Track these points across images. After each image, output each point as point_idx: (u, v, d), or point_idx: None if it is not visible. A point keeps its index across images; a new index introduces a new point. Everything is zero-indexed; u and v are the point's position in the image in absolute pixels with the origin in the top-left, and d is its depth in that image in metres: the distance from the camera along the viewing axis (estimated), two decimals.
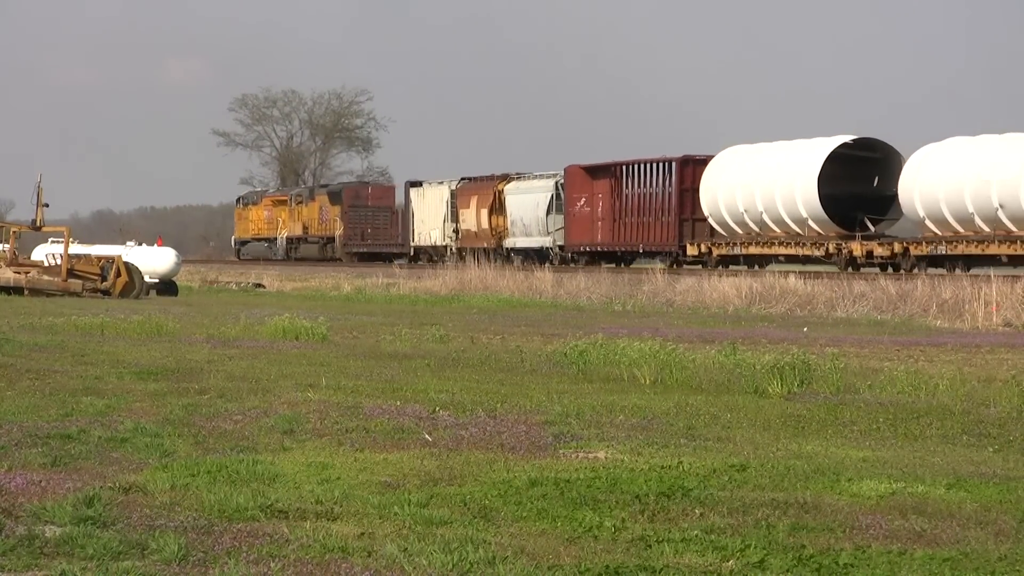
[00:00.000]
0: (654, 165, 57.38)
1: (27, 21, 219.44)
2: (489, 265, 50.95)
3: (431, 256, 70.65)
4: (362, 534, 8.70)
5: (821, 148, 50.09)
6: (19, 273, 41.11)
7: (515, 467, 11.07)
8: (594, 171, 60.78)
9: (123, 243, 50.18)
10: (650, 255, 57.93)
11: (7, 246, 43.05)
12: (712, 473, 10.78)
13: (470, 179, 70.59)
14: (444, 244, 70.30)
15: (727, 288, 39.62)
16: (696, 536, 8.68)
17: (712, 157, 54.91)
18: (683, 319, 33.12)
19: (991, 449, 12.53)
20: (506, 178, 67.61)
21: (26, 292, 40.26)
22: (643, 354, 18.80)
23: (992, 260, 43.42)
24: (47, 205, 42.71)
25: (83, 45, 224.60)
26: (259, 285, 55.50)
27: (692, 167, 55.52)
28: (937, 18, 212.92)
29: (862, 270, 46.29)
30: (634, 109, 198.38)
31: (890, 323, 32.08)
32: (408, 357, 20.65)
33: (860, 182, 49.34)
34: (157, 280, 46.06)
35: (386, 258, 75.90)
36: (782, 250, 51.09)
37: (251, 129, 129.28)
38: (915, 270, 43.98)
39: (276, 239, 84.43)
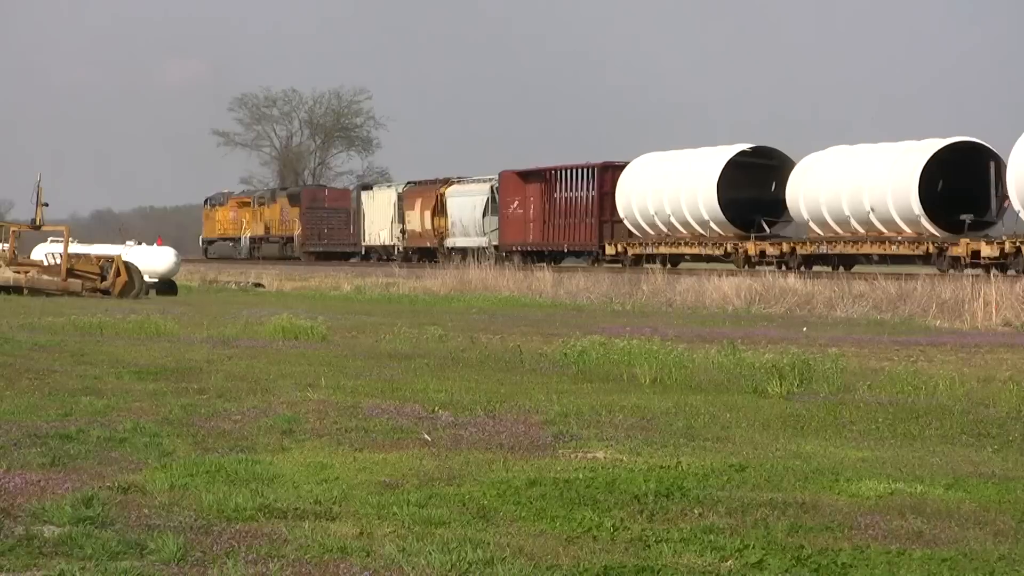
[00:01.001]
0: (579, 171, 62.04)
1: (26, 21, 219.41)
2: (489, 265, 51.07)
3: (380, 255, 76.17)
4: (361, 534, 8.70)
5: (721, 156, 54.47)
6: (19, 273, 41.09)
7: (514, 467, 11.07)
8: (527, 176, 64.95)
9: (122, 243, 50.15)
10: (575, 254, 62.74)
11: (7, 246, 43.03)
12: (711, 473, 10.78)
13: (416, 183, 75.87)
14: (392, 244, 75.51)
15: (726, 288, 39.63)
16: (695, 536, 8.68)
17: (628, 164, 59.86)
18: (682, 319, 33.12)
19: (990, 449, 12.53)
20: (448, 182, 72.39)
21: (25, 292, 40.24)
22: (642, 354, 18.80)
23: (866, 259, 48.57)
24: (47, 204, 42.70)
25: (82, 45, 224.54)
26: (259, 285, 55.51)
27: (611, 173, 60.00)
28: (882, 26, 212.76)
29: (757, 267, 50.15)
30: (628, 108, 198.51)
31: (889, 323, 32.07)
32: (407, 357, 20.65)
33: (757, 187, 53.17)
34: (156, 280, 46.04)
35: (341, 257, 79.85)
36: (688, 249, 55.56)
37: (250, 129, 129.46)
38: (801, 268, 47.88)
39: (240, 239, 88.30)
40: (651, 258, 56.06)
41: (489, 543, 8.41)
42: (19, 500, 9.52)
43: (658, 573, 7.90)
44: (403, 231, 74.42)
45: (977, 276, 36.31)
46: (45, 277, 41.15)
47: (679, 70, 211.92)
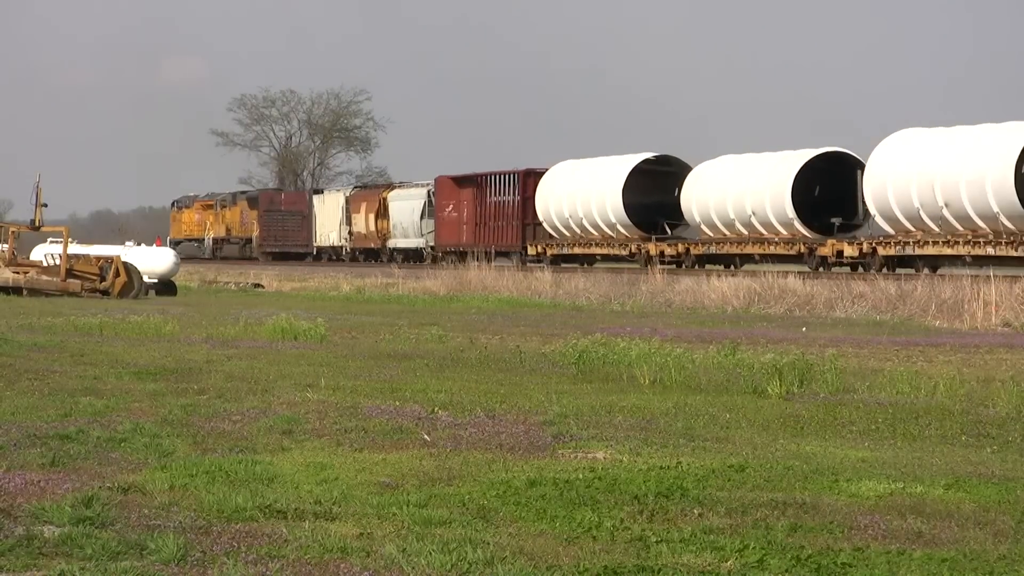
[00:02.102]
0: (506, 176, 66.77)
1: (26, 21, 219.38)
2: (488, 265, 51.22)
3: (330, 255, 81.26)
4: (361, 534, 8.70)
5: (626, 164, 59.31)
6: (18, 273, 41.07)
7: (514, 467, 11.07)
8: (460, 181, 69.60)
9: (122, 243, 50.13)
10: (503, 255, 65.99)
11: (6, 246, 43.01)
12: (711, 473, 10.78)
13: (362, 187, 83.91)
14: (340, 245, 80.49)
15: (726, 288, 39.63)
16: (695, 536, 8.68)
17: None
18: (682, 319, 33.11)
19: (990, 449, 12.53)
20: (390, 186, 79.35)
21: (25, 292, 40.23)
22: (642, 354, 18.80)
23: (750, 258, 53.77)
24: (46, 205, 42.66)
25: (82, 45, 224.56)
26: (258, 285, 55.51)
27: (533, 179, 64.74)
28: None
29: (660, 266, 54.12)
30: (626, 107, 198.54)
31: (889, 323, 32.07)
32: (407, 357, 20.65)
33: (660, 192, 57.86)
34: (156, 280, 46.02)
35: (295, 257, 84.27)
36: (598, 250, 60.31)
37: (250, 129, 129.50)
38: (695, 267, 53.17)
39: (204, 239, 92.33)
40: (568, 258, 61.08)
41: (489, 543, 8.41)
42: (19, 500, 9.52)
43: (658, 573, 7.90)
44: (350, 233, 79.28)
45: (976, 277, 36.31)
46: (44, 278, 41.13)
47: (680, 70, 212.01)
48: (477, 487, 10.16)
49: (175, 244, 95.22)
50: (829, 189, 51.63)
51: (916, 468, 11.26)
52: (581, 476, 10.58)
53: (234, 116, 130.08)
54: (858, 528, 9.03)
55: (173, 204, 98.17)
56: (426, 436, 12.60)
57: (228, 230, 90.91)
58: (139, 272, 42.33)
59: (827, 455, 11.89)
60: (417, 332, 25.82)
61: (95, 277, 41.42)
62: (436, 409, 14.22)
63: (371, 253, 76.90)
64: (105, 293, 40.87)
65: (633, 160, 59.33)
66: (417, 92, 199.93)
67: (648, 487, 10.12)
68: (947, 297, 34.03)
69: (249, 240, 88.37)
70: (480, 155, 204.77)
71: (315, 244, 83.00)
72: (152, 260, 46.66)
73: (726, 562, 8.13)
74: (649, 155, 59.44)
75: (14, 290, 40.32)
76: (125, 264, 42.00)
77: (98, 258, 42.70)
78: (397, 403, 14.66)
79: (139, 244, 49.78)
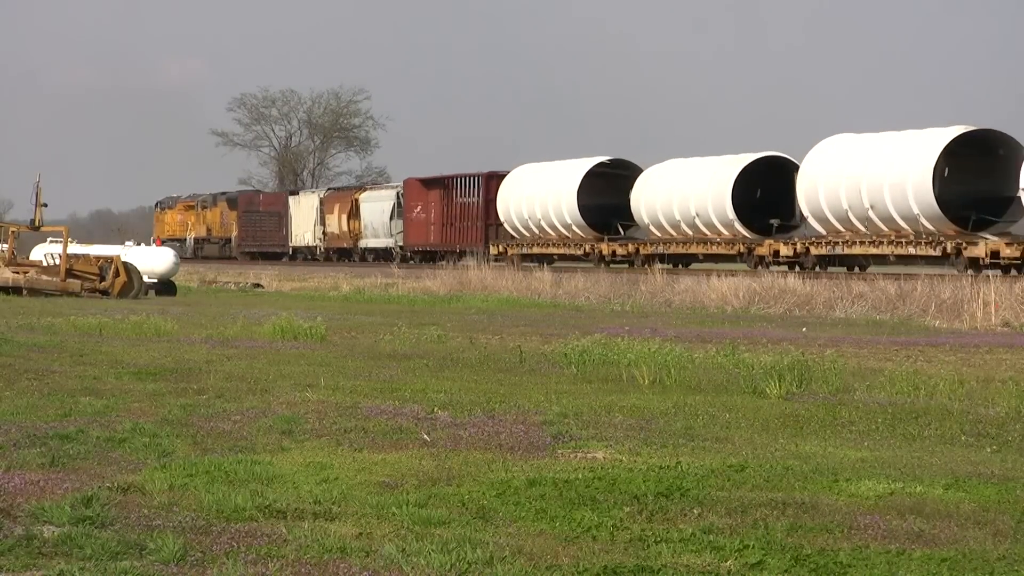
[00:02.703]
0: (471, 179, 69.97)
1: (26, 21, 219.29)
2: (488, 265, 51.34)
3: (306, 255, 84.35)
4: (360, 534, 8.71)
5: (582, 167, 62.16)
6: (18, 273, 41.06)
7: (513, 467, 11.07)
8: (428, 183, 72.75)
9: (122, 243, 50.10)
10: (467, 254, 67.24)
11: (6, 246, 43.01)
12: (710, 473, 10.78)
13: (335, 189, 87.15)
14: (315, 244, 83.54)
15: (725, 288, 39.64)
16: (694, 536, 8.69)
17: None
18: (682, 319, 33.11)
19: (989, 449, 12.53)
20: (361, 188, 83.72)
21: (24, 292, 40.22)
22: (642, 354, 18.80)
23: (695, 258, 56.75)
24: (46, 205, 42.67)
25: (82, 45, 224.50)
26: (258, 285, 55.50)
27: (495, 181, 67.46)
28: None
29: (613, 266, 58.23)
30: (627, 108, 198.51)
31: (889, 323, 32.07)
32: (407, 357, 20.64)
33: (614, 195, 59.89)
34: (156, 280, 46.00)
35: (273, 257, 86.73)
36: (555, 250, 63.13)
37: (249, 129, 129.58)
38: (646, 265, 54.89)
39: (186, 239, 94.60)
40: (528, 257, 63.87)
41: (489, 543, 8.41)
42: (19, 500, 9.52)
43: (658, 573, 7.90)
44: (324, 233, 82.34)
45: (976, 277, 36.33)
46: (44, 277, 41.12)
47: (681, 70, 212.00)
48: (476, 487, 10.16)
49: (153, 244, 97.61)
50: (769, 192, 53.89)
51: (916, 468, 11.26)
52: (581, 476, 10.58)
53: (234, 116, 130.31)
54: (858, 528, 9.03)
55: (156, 205, 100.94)
56: (426, 436, 12.60)
57: (209, 230, 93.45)
58: (139, 272, 42.32)
59: (827, 455, 11.89)
60: (417, 332, 25.81)
61: (95, 277, 41.41)
62: (436, 409, 14.22)
63: (344, 252, 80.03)
64: (105, 293, 40.86)
65: (588, 163, 61.93)
66: (417, 92, 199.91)
67: (648, 487, 10.12)
68: (947, 297, 34.04)
69: (229, 240, 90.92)
70: (479, 155, 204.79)
71: (291, 244, 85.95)
72: (152, 260, 46.64)
73: (726, 562, 8.13)
74: (604, 159, 62.00)
75: (14, 290, 40.30)
76: (125, 264, 41.99)
77: (98, 258, 42.68)
78: (397, 403, 14.66)
79: (139, 244, 49.73)
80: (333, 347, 22.50)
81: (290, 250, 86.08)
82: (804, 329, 29.00)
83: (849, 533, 8.91)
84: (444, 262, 64.27)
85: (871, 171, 47.82)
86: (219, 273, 62.43)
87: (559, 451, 11.93)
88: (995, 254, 44.41)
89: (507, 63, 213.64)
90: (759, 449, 12.14)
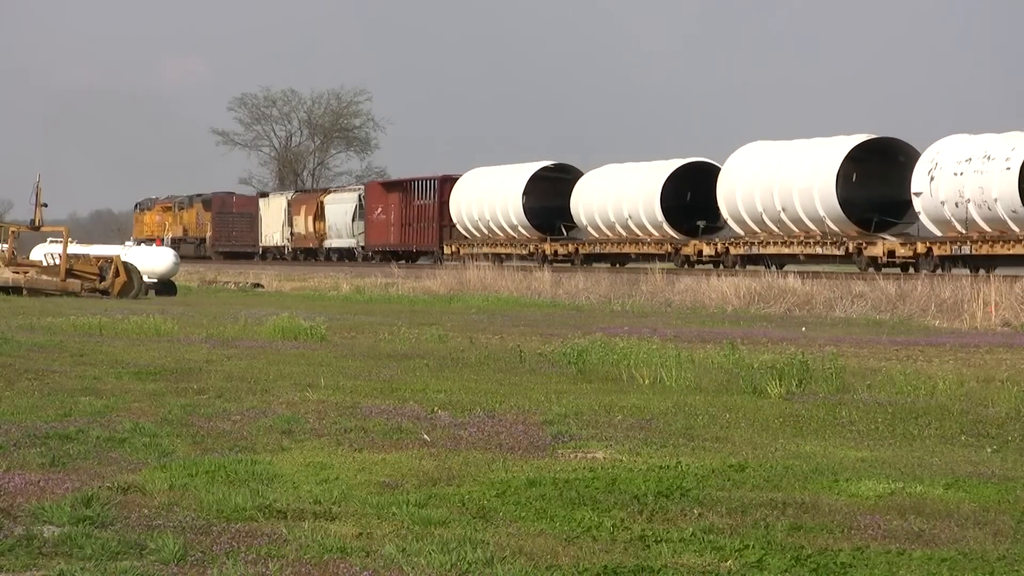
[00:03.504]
0: (427, 182, 73.82)
1: (25, 21, 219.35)
2: (488, 265, 51.38)
3: (274, 255, 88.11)
4: (360, 534, 8.71)
5: (526, 171, 66.17)
6: (18, 273, 41.05)
7: (513, 467, 11.07)
8: (389, 186, 77.51)
9: (122, 243, 50.08)
10: (424, 254, 74.17)
11: (6, 246, 43.00)
12: (710, 473, 10.78)
13: (303, 191, 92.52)
14: (283, 245, 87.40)
15: (726, 288, 39.62)
16: (694, 536, 8.69)
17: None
18: (682, 319, 33.10)
19: (989, 449, 12.53)
20: (327, 191, 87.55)
21: (25, 292, 40.21)
22: (642, 354, 18.80)
23: (627, 257, 60.67)
24: (46, 205, 42.63)
25: (82, 45, 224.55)
26: (258, 285, 55.47)
27: (449, 184, 71.33)
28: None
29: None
30: (630, 107, 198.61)
31: (889, 323, 32.05)
32: (407, 357, 20.64)
33: (558, 197, 63.50)
34: (156, 280, 45.99)
35: (245, 256, 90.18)
36: (503, 249, 66.19)
37: (250, 129, 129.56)
38: (583, 264, 59.30)
39: (163, 239, 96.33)
40: (477, 256, 64.45)
41: (489, 543, 8.42)
42: (19, 500, 9.52)
43: (658, 573, 7.90)
44: (292, 234, 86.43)
45: (976, 277, 36.33)
46: (44, 277, 41.11)
47: (686, 69, 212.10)
48: (477, 487, 10.16)
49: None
50: (697, 195, 57.19)
51: (916, 468, 11.26)
52: (581, 476, 10.58)
53: (234, 115, 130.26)
54: (858, 528, 9.03)
55: (136, 206, 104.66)
56: (426, 436, 12.61)
57: (185, 231, 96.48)
58: (139, 272, 42.30)
59: (827, 455, 11.89)
60: (417, 332, 25.81)
61: (95, 277, 41.39)
62: (436, 409, 14.22)
63: (310, 252, 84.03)
64: (105, 293, 40.85)
65: (533, 168, 66.20)
66: (417, 92, 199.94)
67: (648, 487, 10.12)
68: (947, 297, 34.02)
69: (203, 240, 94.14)
70: (480, 155, 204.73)
71: (261, 244, 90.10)
72: (152, 260, 46.61)
73: (726, 562, 8.13)
74: (548, 163, 66.52)
75: (14, 290, 40.30)
76: (125, 264, 41.97)
77: (98, 258, 42.66)
78: (397, 403, 14.66)
79: (139, 244, 49.70)
80: (333, 347, 22.50)
81: (260, 250, 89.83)
82: (804, 329, 28.99)
83: (849, 533, 8.91)
84: (403, 261, 69.69)
85: (782, 176, 51.69)
86: (219, 273, 62.41)
87: (559, 451, 11.93)
88: (891, 253, 48.12)
89: (507, 63, 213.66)
90: (759, 449, 12.14)
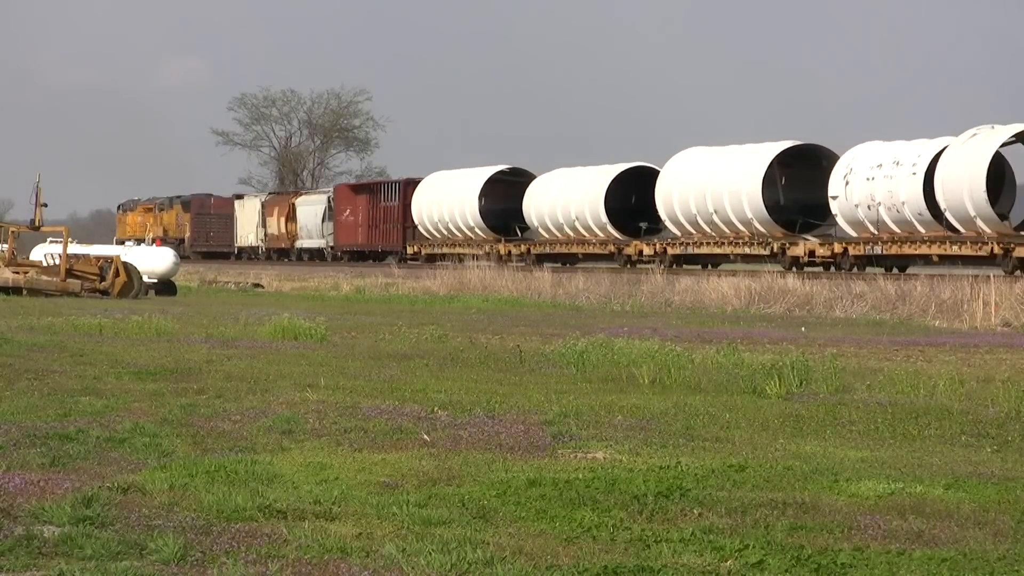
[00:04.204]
0: (392, 185, 78.06)
1: (25, 21, 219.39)
2: (488, 265, 51.42)
3: (249, 255, 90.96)
4: (360, 534, 8.71)
5: (482, 175, 69.56)
6: (18, 273, 41.03)
7: (513, 467, 11.07)
8: (357, 188, 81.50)
9: (122, 243, 50.04)
10: (390, 254, 76.72)
11: (6, 246, 42.98)
12: (710, 473, 10.78)
13: (276, 193, 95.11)
14: (257, 245, 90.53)
15: (726, 288, 39.62)
16: (694, 536, 8.69)
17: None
18: (682, 319, 33.10)
19: (989, 449, 12.53)
20: (298, 193, 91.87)
21: (24, 292, 40.19)
22: (642, 354, 18.80)
23: (575, 257, 64.02)
24: (46, 205, 42.61)
25: (81, 45, 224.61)
26: (258, 285, 55.46)
27: (412, 187, 74.75)
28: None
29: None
30: (630, 108, 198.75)
31: (889, 323, 32.05)
32: (407, 357, 20.64)
33: (513, 200, 66.72)
34: (156, 280, 45.97)
35: (221, 256, 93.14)
36: (461, 250, 67.57)
37: (250, 129, 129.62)
38: (536, 264, 60.03)
39: (145, 240, 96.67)
40: (440, 256, 68.77)
41: (489, 543, 8.42)
42: (19, 500, 9.52)
43: (658, 573, 7.90)
44: (265, 235, 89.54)
45: (976, 277, 36.32)
46: (44, 278, 41.09)
47: (676, 67, 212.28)
48: (477, 487, 10.16)
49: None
50: (640, 198, 60.29)
51: (916, 468, 11.26)
52: (581, 476, 10.58)
53: (234, 115, 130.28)
54: (858, 528, 9.03)
55: (119, 207, 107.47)
56: (426, 436, 12.61)
57: (165, 231, 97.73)
58: (139, 272, 42.28)
59: (827, 455, 11.89)
60: (417, 332, 25.81)
61: (95, 277, 41.37)
62: (436, 409, 14.22)
63: (283, 252, 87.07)
64: (105, 293, 40.83)
65: (488, 171, 69.59)
66: (417, 92, 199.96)
67: (648, 487, 10.12)
68: (947, 297, 34.02)
69: (182, 240, 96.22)
70: (479, 156, 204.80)
71: (236, 244, 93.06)
72: (152, 260, 46.58)
73: (726, 562, 8.13)
74: (504, 167, 69.75)
75: (14, 290, 40.28)
76: (125, 264, 41.95)
77: (98, 258, 42.64)
78: (397, 403, 14.66)
79: (139, 244, 49.68)
80: (333, 347, 22.50)
81: (236, 250, 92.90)
82: (804, 329, 28.99)
83: (849, 533, 8.91)
84: (371, 260, 74.14)
85: (715, 180, 55.01)
86: (219, 273, 62.42)
87: (559, 451, 11.93)
88: (812, 253, 51.42)
89: (508, 63, 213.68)
90: (759, 449, 12.14)
